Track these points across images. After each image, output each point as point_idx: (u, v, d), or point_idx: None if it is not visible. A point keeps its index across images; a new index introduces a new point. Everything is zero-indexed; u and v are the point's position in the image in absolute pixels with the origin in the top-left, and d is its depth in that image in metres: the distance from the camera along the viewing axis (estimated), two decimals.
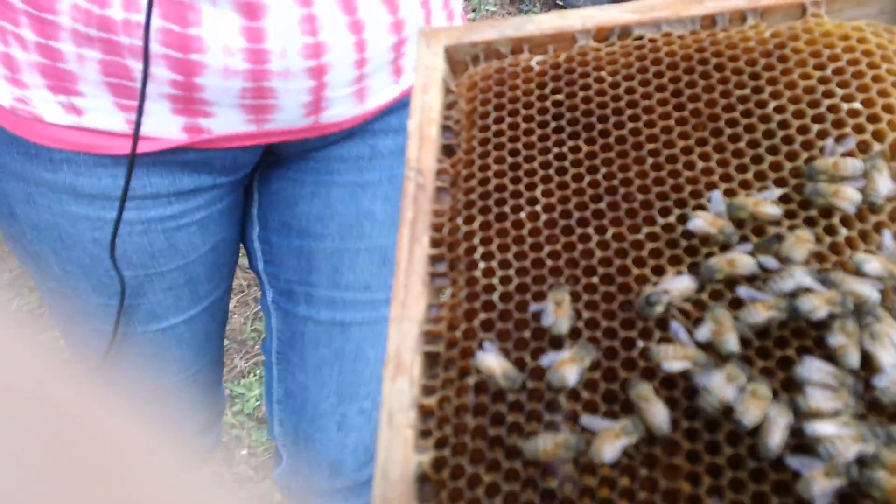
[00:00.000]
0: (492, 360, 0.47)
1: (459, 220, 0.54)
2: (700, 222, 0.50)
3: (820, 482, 0.42)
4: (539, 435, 0.45)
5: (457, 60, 0.62)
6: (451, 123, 0.59)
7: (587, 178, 0.54)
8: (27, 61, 0.80)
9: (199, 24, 0.77)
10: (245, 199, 1.05)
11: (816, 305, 0.46)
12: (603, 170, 0.55)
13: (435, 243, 0.54)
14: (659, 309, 0.47)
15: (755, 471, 0.44)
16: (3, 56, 0.81)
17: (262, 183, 1.02)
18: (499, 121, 0.58)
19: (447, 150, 0.58)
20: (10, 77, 0.82)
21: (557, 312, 0.48)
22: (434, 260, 0.54)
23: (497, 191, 0.55)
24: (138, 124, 0.80)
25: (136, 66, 0.79)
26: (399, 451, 0.46)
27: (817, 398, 0.44)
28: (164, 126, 0.84)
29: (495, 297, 0.51)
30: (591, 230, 0.52)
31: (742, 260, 0.48)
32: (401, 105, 0.95)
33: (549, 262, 0.51)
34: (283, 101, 0.84)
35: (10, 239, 0.97)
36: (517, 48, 0.61)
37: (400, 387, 0.48)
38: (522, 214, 0.53)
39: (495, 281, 0.51)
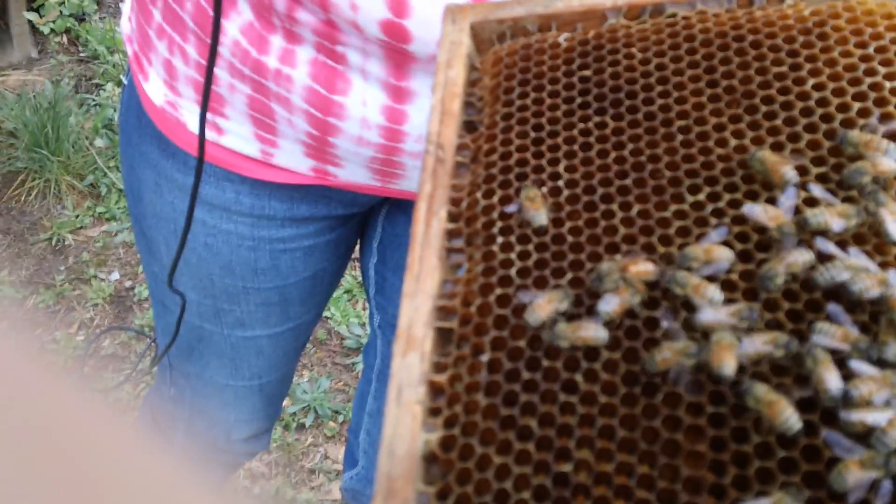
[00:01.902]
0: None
1: (478, 195, 0.52)
2: (758, 210, 0.47)
3: (855, 473, 0.39)
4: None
5: (482, 38, 0.60)
6: (475, 100, 0.57)
7: (612, 155, 0.52)
8: (185, 74, 0.84)
9: (346, 93, 0.79)
10: (366, 230, 1.08)
11: (869, 285, 0.44)
12: (630, 146, 0.52)
13: (452, 217, 0.52)
14: (777, 282, 0.45)
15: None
16: (165, 62, 0.85)
17: (388, 220, 1.04)
18: (523, 96, 0.56)
19: (469, 127, 0.56)
20: (168, 82, 0.86)
21: (533, 207, 0.47)
22: (451, 235, 0.52)
23: (518, 165, 0.53)
24: (203, 129, 0.81)
25: (281, 111, 0.81)
26: (406, 428, 0.43)
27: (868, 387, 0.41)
28: (295, 163, 0.86)
29: (513, 272, 0.48)
30: (615, 206, 0.50)
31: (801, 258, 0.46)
32: None
33: (569, 238, 0.49)
34: (410, 174, 0.85)
35: (133, 218, 1.02)
36: (545, 26, 0.59)
37: (410, 362, 0.46)
38: (544, 189, 0.51)
39: (513, 256, 0.49)
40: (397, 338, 0.47)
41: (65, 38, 2.44)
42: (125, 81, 1.00)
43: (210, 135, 0.88)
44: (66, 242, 2.02)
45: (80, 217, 2.04)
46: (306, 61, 0.78)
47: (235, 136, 0.87)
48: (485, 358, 0.46)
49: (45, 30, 2.36)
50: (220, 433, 1.22)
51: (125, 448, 0.22)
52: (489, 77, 0.58)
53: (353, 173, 0.86)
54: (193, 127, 0.88)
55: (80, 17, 2.46)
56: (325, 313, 1.97)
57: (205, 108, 0.80)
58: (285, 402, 1.82)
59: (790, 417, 0.41)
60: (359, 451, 1.21)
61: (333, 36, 0.75)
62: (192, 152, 0.90)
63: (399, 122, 0.80)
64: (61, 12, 2.39)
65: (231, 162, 0.89)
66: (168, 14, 0.83)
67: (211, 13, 0.79)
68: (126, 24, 0.93)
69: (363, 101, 0.79)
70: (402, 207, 1.02)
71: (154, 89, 0.89)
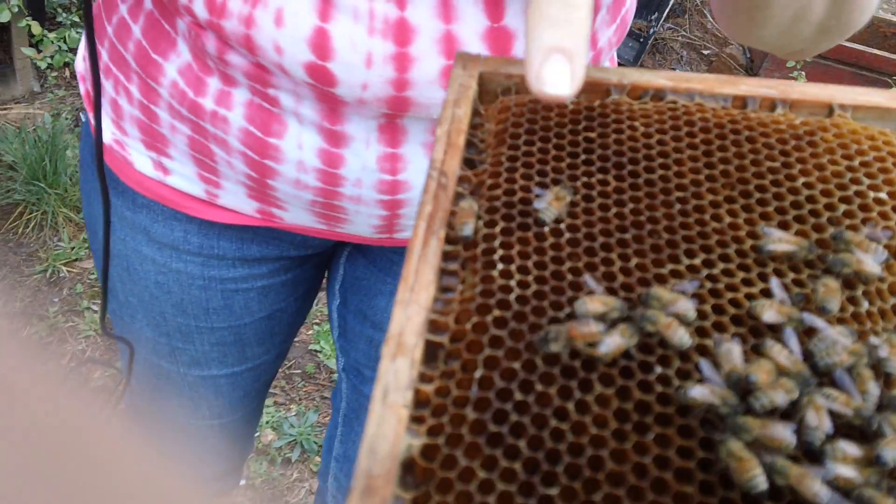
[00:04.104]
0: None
1: (480, 223, 0.43)
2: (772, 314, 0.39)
3: None
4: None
5: (487, 89, 0.52)
6: (477, 141, 0.49)
7: (613, 210, 0.44)
8: (130, 113, 0.74)
9: (282, 136, 0.68)
10: (329, 271, 0.95)
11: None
12: (630, 205, 0.44)
13: (450, 241, 0.42)
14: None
15: None
16: (112, 101, 0.76)
17: (349, 264, 0.92)
18: (529, 143, 0.48)
19: (469, 163, 0.47)
20: (115, 120, 0.77)
21: (553, 204, 0.39)
22: (447, 257, 0.42)
23: (521, 203, 0.44)
24: (99, 134, 0.72)
25: (220, 152, 0.71)
26: (391, 428, 0.33)
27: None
28: (240, 204, 0.76)
29: (512, 297, 0.39)
30: (614, 255, 0.42)
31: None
32: None
33: (569, 277, 0.40)
34: (354, 219, 0.74)
35: (93, 254, 0.90)
36: None
37: (399, 366, 0.36)
38: (546, 229, 0.42)
39: (513, 283, 0.40)
40: (387, 342, 0.37)
41: (67, 72, 2.30)
42: (83, 119, 0.90)
43: (156, 174, 0.77)
44: (61, 274, 1.85)
45: (75, 249, 1.88)
46: (242, 103, 0.67)
47: (180, 176, 0.76)
48: (476, 374, 0.36)
49: (42, 65, 2.22)
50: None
51: (118, 450, 0.19)
52: (494, 123, 0.50)
53: (297, 216, 0.75)
54: (140, 165, 0.77)
55: None
56: (314, 347, 1.80)
57: (98, 114, 0.70)
58: (271, 437, 1.64)
59: (757, 477, 0.32)
60: (327, 495, 1.07)
61: (265, 79, 0.65)
62: (140, 190, 0.78)
63: (336, 165, 0.69)
64: (60, 47, 2.24)
65: (178, 202, 0.78)
66: (113, 54, 0.73)
67: (152, 55, 0.70)
68: (80, 63, 0.83)
69: (299, 145, 0.68)
70: (362, 250, 0.90)
71: (103, 127, 0.78)
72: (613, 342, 0.36)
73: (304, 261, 0.89)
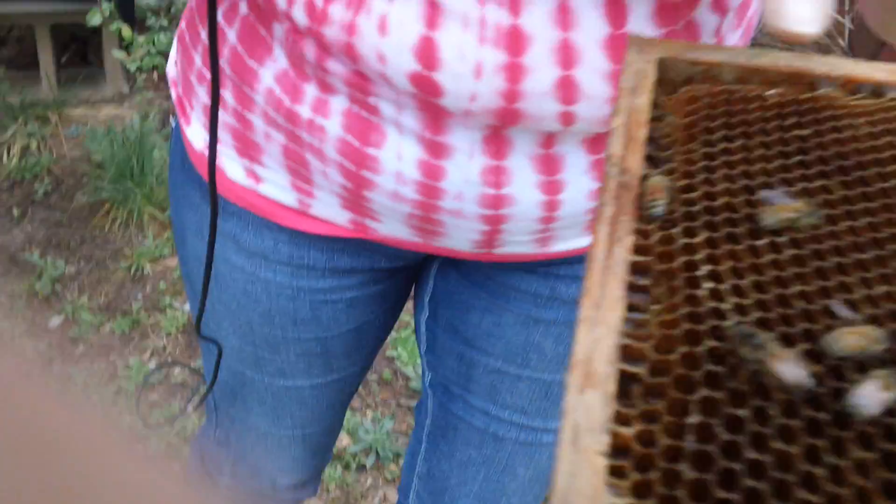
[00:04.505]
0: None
1: (676, 230, 0.35)
2: None
3: None
4: None
5: (667, 77, 0.44)
6: (659, 136, 0.41)
7: (843, 224, 0.36)
8: (223, 119, 0.71)
9: (380, 146, 0.64)
10: (418, 282, 0.91)
11: None
12: (864, 219, 0.36)
13: (639, 250, 0.35)
14: None
15: None
16: (205, 106, 0.73)
17: (440, 276, 0.87)
18: (728, 140, 0.40)
19: (651, 162, 0.40)
20: (207, 126, 0.73)
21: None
22: (635, 269, 0.34)
23: (726, 210, 0.36)
24: (212, 159, 0.68)
25: (315, 161, 0.67)
26: (586, 481, 0.26)
27: None
28: (333, 215, 0.73)
29: (729, 324, 0.31)
30: (852, 279, 0.33)
31: None
32: None
33: (799, 304, 0.32)
34: (452, 233, 0.70)
35: (180, 260, 0.88)
36: (744, 78, 0.44)
37: (590, 401, 0.28)
38: (760, 243, 0.34)
39: (726, 307, 0.32)
40: (572, 368, 0.30)
41: (155, 75, 2.31)
42: (173, 124, 0.86)
43: (248, 182, 0.73)
44: (145, 271, 1.84)
45: (159, 247, 1.86)
46: (339, 112, 0.63)
47: (273, 184, 0.72)
48: (690, 420, 0.28)
49: (132, 67, 2.22)
50: (265, 480, 1.04)
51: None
52: (680, 115, 0.42)
53: (393, 229, 0.71)
54: (232, 173, 0.73)
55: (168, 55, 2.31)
56: (392, 353, 1.74)
57: (213, 135, 0.67)
58: (346, 442, 1.58)
59: None
60: None
61: (365, 87, 0.61)
62: (230, 198, 0.75)
63: (436, 178, 0.64)
64: (149, 51, 2.24)
65: (269, 210, 0.74)
66: (207, 60, 0.70)
67: (248, 61, 0.66)
68: (172, 68, 0.80)
69: (398, 155, 0.64)
70: (455, 263, 0.84)
71: (195, 134, 0.75)
72: (876, 397, 0.28)
73: (394, 273, 0.84)
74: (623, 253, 0.34)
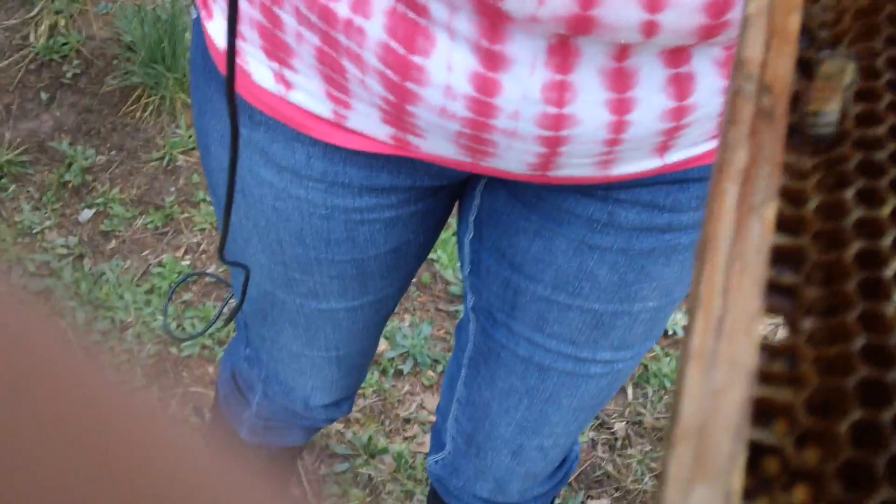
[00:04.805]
0: None
1: (847, 195, 0.22)
2: None
3: None
4: None
5: None
6: (815, 25, 0.27)
7: None
8: (249, 16, 0.62)
9: (428, 54, 0.56)
10: (462, 199, 0.84)
11: None
12: None
13: (786, 224, 0.22)
14: None
15: None
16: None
17: (488, 194, 0.80)
18: None
19: (804, 67, 0.26)
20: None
21: None
22: (777, 256, 0.21)
23: None
24: (231, 61, 0.57)
25: (353, 69, 0.59)
26: None
27: None
28: (371, 128, 0.65)
29: None
30: None
31: None
32: (658, 181, 0.68)
33: None
34: (504, 154, 0.62)
35: (206, 170, 0.82)
36: None
37: (700, 501, 0.16)
38: None
39: None
40: (673, 443, 0.17)
41: None
42: (193, 15, 0.75)
43: (278, 88, 0.65)
44: (178, 163, 1.74)
45: (192, 137, 1.76)
46: (382, 11, 0.55)
47: (305, 92, 0.64)
48: None
49: None
50: (297, 399, 1.00)
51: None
52: None
53: (438, 146, 0.64)
54: (259, 77, 0.65)
55: None
56: (431, 256, 1.64)
57: (233, 25, 0.56)
58: (383, 347, 1.53)
59: None
60: (446, 435, 0.99)
61: None
62: (257, 105, 0.67)
63: (490, 93, 0.56)
64: None
65: (300, 122, 0.67)
66: None
67: None
68: None
69: (448, 66, 0.56)
70: (504, 181, 0.76)
71: (217, 29, 0.66)
72: None
73: (436, 191, 0.77)
74: (762, 230, 0.22)
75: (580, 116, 0.58)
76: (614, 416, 1.53)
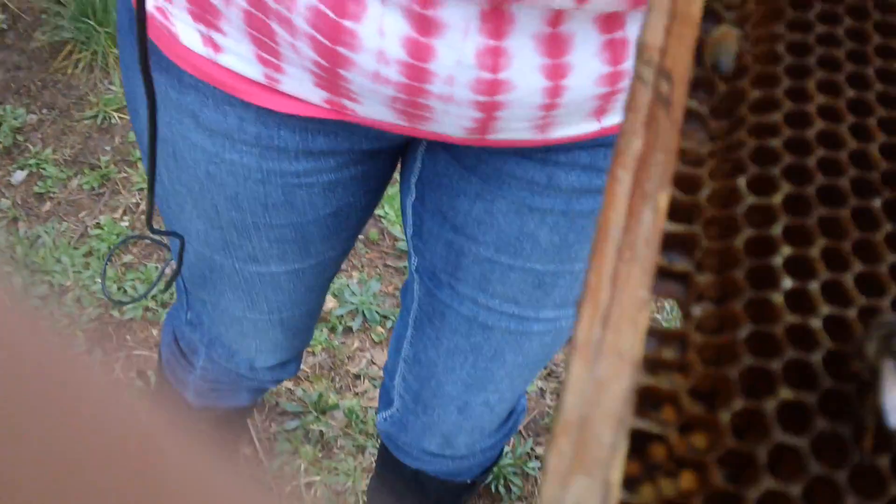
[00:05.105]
0: None
1: (739, 183, 0.22)
2: None
3: None
4: None
5: None
6: (721, 7, 0.27)
7: None
8: None
9: (359, 18, 0.55)
10: (404, 161, 0.83)
11: None
12: None
13: (679, 211, 0.22)
14: None
15: None
16: None
17: (429, 157, 0.79)
18: (828, 20, 0.26)
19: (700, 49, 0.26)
20: None
21: None
22: (670, 243, 0.22)
23: (827, 144, 0.23)
24: (142, 33, 0.56)
25: (283, 33, 0.57)
26: None
27: None
28: (305, 92, 0.63)
29: (817, 357, 0.19)
30: None
31: None
32: (597, 144, 0.68)
33: None
34: (441, 118, 0.61)
35: (136, 133, 0.80)
36: None
37: (578, 497, 0.17)
38: (877, 202, 0.21)
39: (816, 324, 0.19)
40: (555, 433, 0.18)
41: None
42: None
43: (206, 51, 0.63)
44: (113, 121, 1.69)
45: None
46: None
47: (234, 55, 0.63)
48: None
49: None
50: (242, 362, 1.00)
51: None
52: None
53: (374, 111, 0.63)
54: (187, 39, 0.63)
55: None
56: (379, 212, 1.64)
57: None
58: (331, 304, 1.53)
59: None
60: (394, 392, 1.01)
61: None
62: (186, 68, 0.65)
63: (424, 59, 0.56)
64: None
65: (232, 85, 0.65)
66: None
67: None
68: None
69: (380, 30, 0.55)
70: (444, 144, 0.75)
71: None
72: None
73: (376, 153, 0.75)
74: (653, 219, 0.22)
75: (515, 82, 0.58)
76: (562, 365, 1.56)
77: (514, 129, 0.63)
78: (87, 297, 1.47)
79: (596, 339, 0.20)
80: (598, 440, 0.19)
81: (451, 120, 0.62)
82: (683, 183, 0.23)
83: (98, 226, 1.56)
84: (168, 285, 0.92)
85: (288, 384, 1.44)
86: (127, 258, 1.53)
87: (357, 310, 1.53)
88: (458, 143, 0.68)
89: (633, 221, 0.22)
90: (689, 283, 0.22)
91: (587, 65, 0.57)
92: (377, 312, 1.53)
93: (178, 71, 0.67)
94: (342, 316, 1.52)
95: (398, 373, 0.99)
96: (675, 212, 0.22)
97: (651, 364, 0.20)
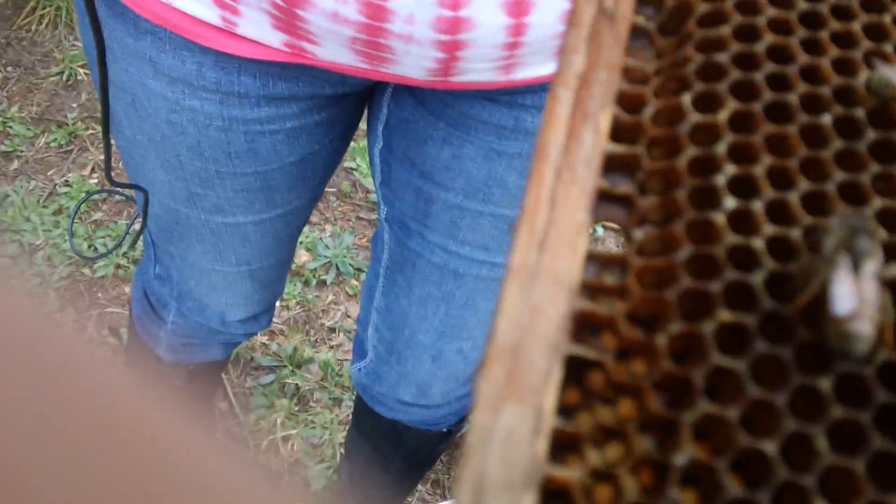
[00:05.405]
0: None
1: (684, 99, 0.21)
2: None
3: None
4: None
5: None
6: None
7: None
8: None
9: None
10: (370, 108, 0.81)
11: None
12: None
13: (621, 132, 0.21)
14: None
15: None
16: None
17: (395, 103, 0.77)
18: None
19: None
20: None
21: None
22: (612, 165, 0.21)
23: (774, 57, 0.22)
24: None
25: None
26: None
27: None
28: (263, 35, 0.61)
29: (758, 279, 0.18)
30: None
31: None
32: None
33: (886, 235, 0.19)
34: (403, 60, 0.59)
35: (94, 82, 0.76)
36: None
37: (510, 424, 0.16)
38: (827, 118, 0.20)
39: (759, 245, 0.18)
40: (487, 363, 0.17)
41: None
42: None
43: None
44: (79, 77, 1.65)
45: None
46: None
47: None
48: (680, 459, 0.16)
49: None
50: (213, 316, 0.99)
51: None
52: None
53: (335, 53, 0.61)
54: None
55: None
56: (350, 164, 1.62)
57: None
58: (305, 258, 1.51)
59: None
60: (368, 343, 1.00)
61: None
62: (141, 13, 0.63)
63: None
64: None
65: (188, 29, 0.63)
66: None
67: None
68: None
69: None
70: (410, 89, 0.74)
71: None
72: None
73: (341, 98, 0.74)
74: (594, 141, 0.21)
75: (477, 20, 0.56)
76: None
77: (478, 70, 0.61)
78: (57, 256, 1.45)
79: (532, 264, 0.19)
80: (532, 367, 0.18)
81: (413, 61, 0.60)
82: (627, 102, 0.22)
83: (67, 183, 1.53)
84: (135, 240, 0.90)
85: (263, 338, 1.43)
86: (97, 215, 1.51)
87: (331, 263, 1.52)
88: (422, 87, 0.66)
89: (573, 142, 0.20)
90: (632, 207, 0.21)
91: (550, 1, 0.56)
92: (351, 265, 1.52)
93: (134, 16, 0.65)
94: (316, 269, 1.51)
95: (371, 323, 0.99)
96: (619, 132, 0.21)
97: (591, 289, 0.19)
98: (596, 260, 0.20)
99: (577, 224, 0.19)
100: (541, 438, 0.17)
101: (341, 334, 1.45)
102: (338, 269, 1.50)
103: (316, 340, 1.44)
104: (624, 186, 0.21)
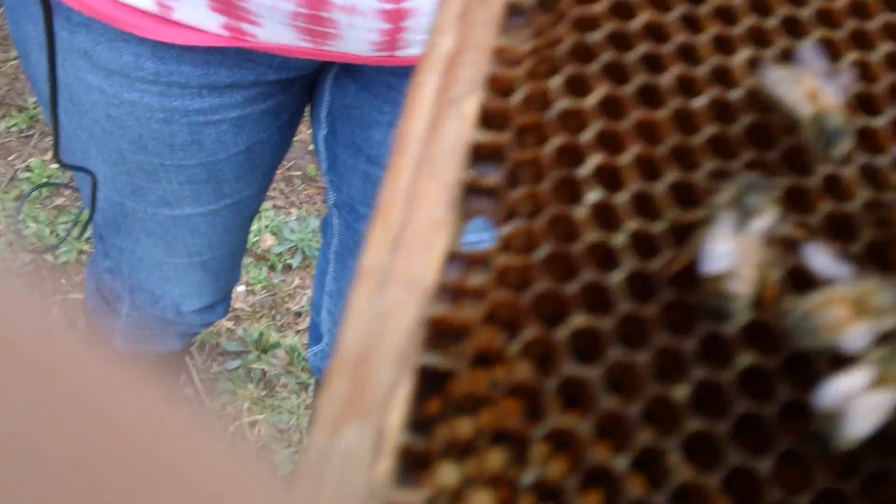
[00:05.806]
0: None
1: (554, 83, 0.20)
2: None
3: None
4: None
5: None
6: None
7: None
8: None
9: None
10: (313, 95, 0.79)
11: None
12: None
13: (489, 118, 0.20)
14: None
15: None
16: None
17: (337, 88, 0.76)
18: None
19: None
20: None
21: None
22: (479, 155, 0.19)
23: (649, 37, 0.20)
24: None
25: None
26: None
27: None
28: (201, 19, 0.60)
29: (615, 279, 0.16)
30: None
31: None
32: None
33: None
34: (346, 34, 0.58)
35: (30, 80, 0.75)
36: None
37: (348, 447, 0.14)
38: (701, 101, 0.19)
39: (620, 240, 0.17)
40: (330, 377, 0.15)
41: None
42: None
43: None
44: None
45: None
46: None
47: None
48: (530, 477, 0.15)
49: None
50: (167, 307, 0.97)
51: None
52: None
53: (276, 33, 0.60)
54: None
55: None
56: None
57: None
58: (270, 242, 1.49)
59: None
60: (322, 327, 0.98)
61: None
62: (73, 5, 0.62)
63: None
64: None
65: (122, 19, 0.61)
66: None
67: None
68: None
69: None
70: (352, 72, 0.73)
71: None
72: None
73: (286, 85, 0.72)
74: (459, 128, 0.19)
75: None
76: None
77: (424, 41, 0.59)
78: (19, 242, 1.42)
79: (384, 266, 0.18)
80: (377, 380, 0.16)
81: (358, 34, 0.58)
82: (499, 86, 0.20)
83: (28, 168, 1.50)
84: (82, 232, 0.89)
85: (228, 324, 1.42)
86: (59, 201, 1.48)
87: (296, 247, 1.50)
88: (367, 64, 0.65)
89: (436, 132, 0.19)
90: (500, 199, 0.19)
91: None
92: (317, 249, 1.50)
93: (66, 10, 0.63)
94: (281, 254, 1.49)
95: (324, 307, 0.98)
96: (488, 119, 0.20)
97: (452, 292, 0.18)
98: (460, 259, 0.18)
99: (436, 221, 0.18)
100: (382, 460, 0.15)
101: (307, 319, 1.43)
102: (304, 253, 1.48)
103: (282, 325, 1.42)
104: (493, 178, 0.19)
